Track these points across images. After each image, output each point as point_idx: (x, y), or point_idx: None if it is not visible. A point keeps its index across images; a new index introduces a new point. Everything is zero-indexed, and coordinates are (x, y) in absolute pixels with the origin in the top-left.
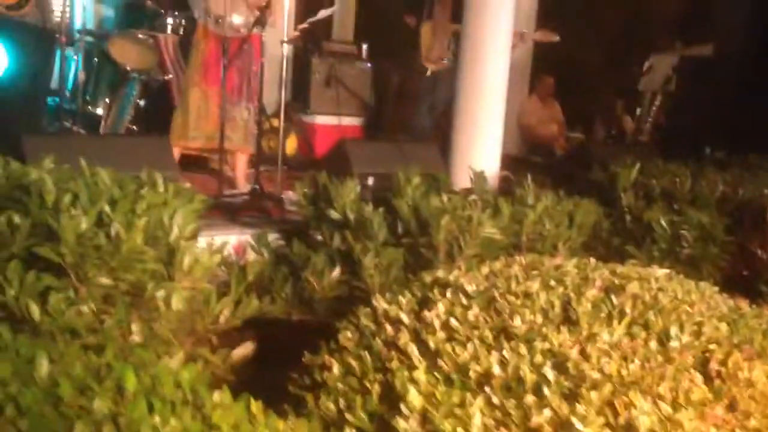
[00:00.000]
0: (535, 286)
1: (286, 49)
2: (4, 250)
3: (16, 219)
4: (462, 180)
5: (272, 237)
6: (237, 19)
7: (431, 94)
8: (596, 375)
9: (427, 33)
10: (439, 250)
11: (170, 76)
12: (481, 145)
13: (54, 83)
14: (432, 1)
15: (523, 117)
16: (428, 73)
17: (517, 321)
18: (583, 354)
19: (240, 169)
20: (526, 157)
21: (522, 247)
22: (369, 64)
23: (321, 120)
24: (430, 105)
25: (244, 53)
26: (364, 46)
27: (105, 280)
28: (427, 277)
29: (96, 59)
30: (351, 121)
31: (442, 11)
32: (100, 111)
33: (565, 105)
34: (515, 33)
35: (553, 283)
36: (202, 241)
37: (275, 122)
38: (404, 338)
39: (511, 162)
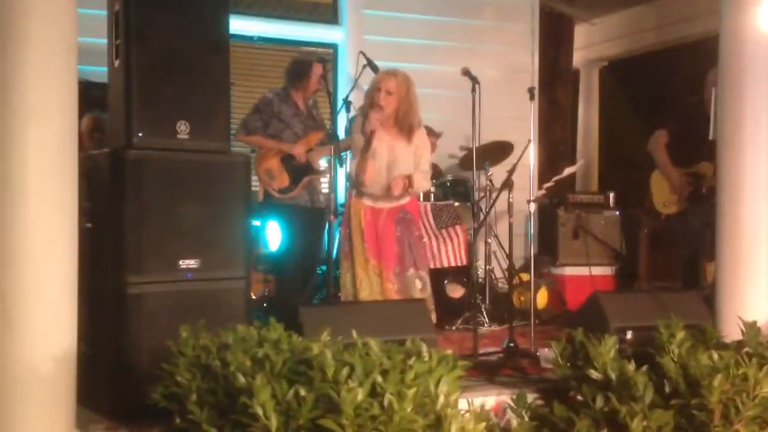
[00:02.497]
0: None
1: (533, 206)
2: (292, 422)
3: (302, 392)
4: (731, 330)
5: (531, 397)
6: (381, 195)
7: (691, 238)
8: None
9: (654, 181)
10: (714, 412)
11: (424, 239)
12: (749, 291)
13: (322, 254)
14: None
15: None
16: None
17: None
18: None
19: None
20: None
21: None
22: (617, 212)
23: (570, 271)
24: (692, 249)
25: (404, 221)
26: (611, 195)
27: None
28: None
29: None
30: (602, 271)
31: (660, 158)
32: None
33: None
34: None
35: None
36: (461, 403)
37: (525, 277)
38: None
39: None
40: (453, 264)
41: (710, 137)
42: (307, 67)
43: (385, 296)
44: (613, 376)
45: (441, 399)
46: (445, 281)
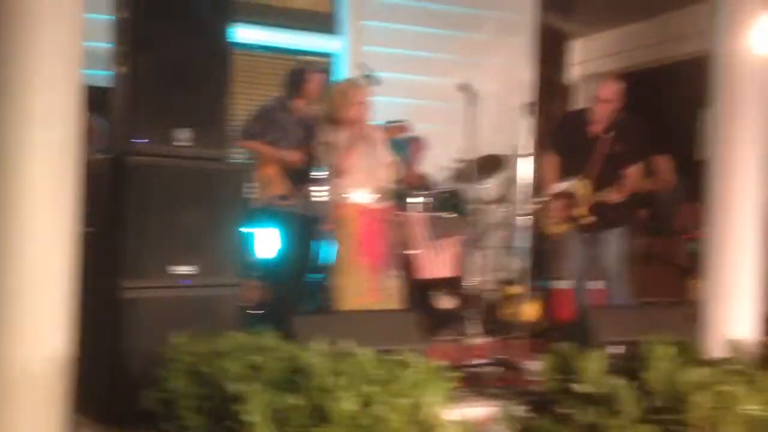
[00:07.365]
0: None
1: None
2: (286, 430)
3: (295, 400)
4: (717, 347)
5: (519, 409)
6: (369, 196)
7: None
8: None
9: None
10: (697, 428)
11: (419, 251)
12: (735, 309)
13: (317, 262)
14: None
15: None
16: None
17: None
18: None
19: None
20: None
21: None
22: None
23: (560, 285)
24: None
25: (389, 224)
26: None
27: None
28: None
29: None
30: (593, 285)
31: None
32: None
33: None
34: None
35: None
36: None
37: (514, 290)
38: None
39: None
40: (444, 275)
41: (699, 157)
42: (302, 75)
43: (368, 294)
44: (598, 389)
45: (432, 410)
46: (436, 292)
